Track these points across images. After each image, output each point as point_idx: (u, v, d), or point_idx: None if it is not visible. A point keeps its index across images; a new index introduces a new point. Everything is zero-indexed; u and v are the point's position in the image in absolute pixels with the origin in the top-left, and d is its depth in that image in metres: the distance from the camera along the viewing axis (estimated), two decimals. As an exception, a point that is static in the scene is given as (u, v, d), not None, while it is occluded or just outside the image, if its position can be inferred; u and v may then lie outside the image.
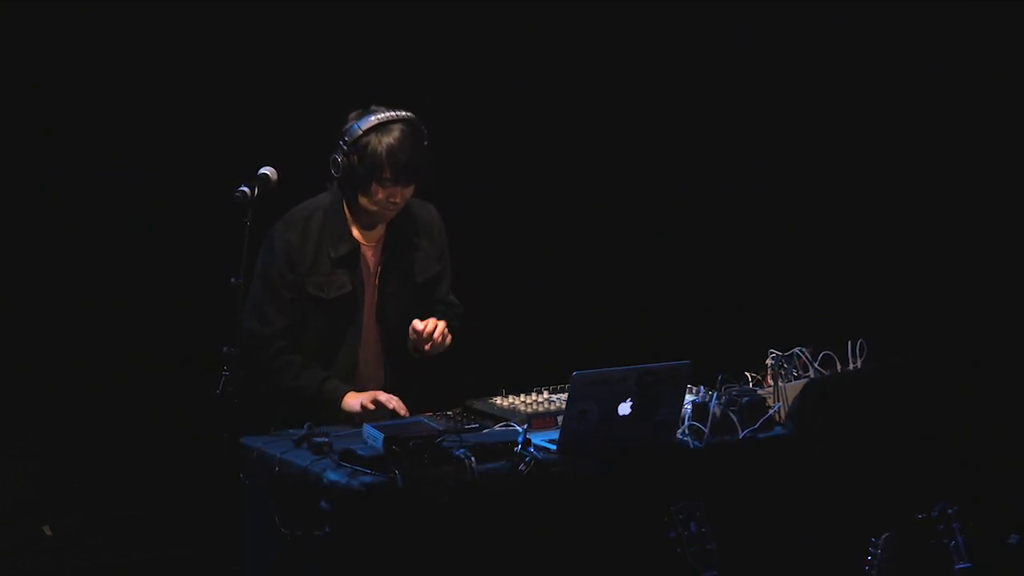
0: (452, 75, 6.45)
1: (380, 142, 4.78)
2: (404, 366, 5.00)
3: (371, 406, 4.82)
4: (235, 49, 6.22)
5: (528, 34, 6.57)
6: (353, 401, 4.84)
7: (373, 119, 4.81)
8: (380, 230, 4.98)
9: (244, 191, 4.55)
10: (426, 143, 4.86)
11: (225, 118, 6.19)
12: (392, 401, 4.82)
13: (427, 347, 4.88)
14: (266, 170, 4.65)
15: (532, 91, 6.60)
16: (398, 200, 4.86)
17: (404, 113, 4.85)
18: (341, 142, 4.82)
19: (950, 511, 4.31)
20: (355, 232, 4.96)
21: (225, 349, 4.47)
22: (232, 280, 4.48)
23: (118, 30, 6.12)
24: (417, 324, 4.88)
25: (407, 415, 4.81)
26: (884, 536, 4.34)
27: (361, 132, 4.80)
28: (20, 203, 6.14)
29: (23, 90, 6.09)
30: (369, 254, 4.98)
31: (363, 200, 4.86)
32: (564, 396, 4.62)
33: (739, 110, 6.63)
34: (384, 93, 4.90)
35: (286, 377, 4.88)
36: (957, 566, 4.28)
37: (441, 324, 4.90)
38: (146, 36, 6.16)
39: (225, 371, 4.46)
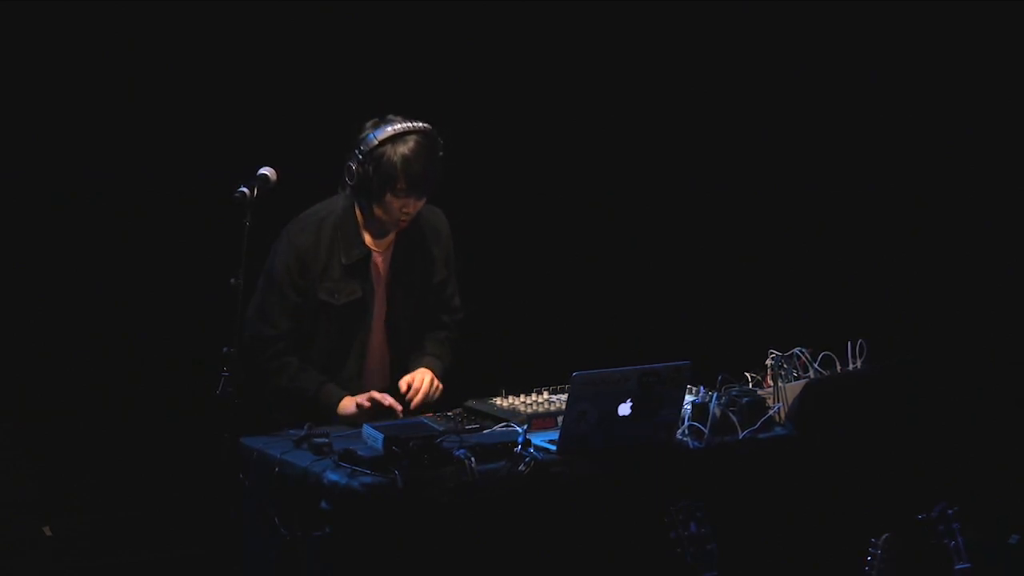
0: (450, 74, 6.44)
1: (395, 152, 4.78)
2: (409, 370, 5.00)
3: (367, 404, 4.82)
4: (235, 50, 6.21)
5: (530, 37, 6.57)
6: (349, 403, 4.85)
7: (389, 129, 4.81)
8: (391, 236, 4.98)
9: (244, 191, 4.55)
10: (441, 154, 4.86)
11: (225, 118, 6.19)
12: (387, 399, 4.83)
13: (414, 403, 4.88)
14: (266, 170, 4.65)
15: (530, 92, 6.59)
16: (411, 211, 4.86)
17: (420, 124, 4.84)
18: (356, 151, 4.82)
19: (950, 511, 4.31)
20: (367, 238, 4.96)
21: (225, 349, 4.48)
22: (232, 280, 4.48)
23: (119, 30, 6.12)
24: (402, 385, 4.90)
25: (401, 413, 4.82)
26: (884, 536, 4.34)
27: (377, 142, 4.79)
28: (20, 203, 6.14)
29: (24, 90, 6.09)
30: (380, 260, 4.98)
31: (377, 210, 4.86)
32: (564, 396, 4.62)
33: (739, 111, 6.63)
34: (383, 92, 4.92)
35: (282, 378, 4.89)
36: (957, 566, 4.28)
37: (427, 381, 4.90)
38: (147, 36, 6.15)
39: (225, 371, 4.47)
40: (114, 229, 6.22)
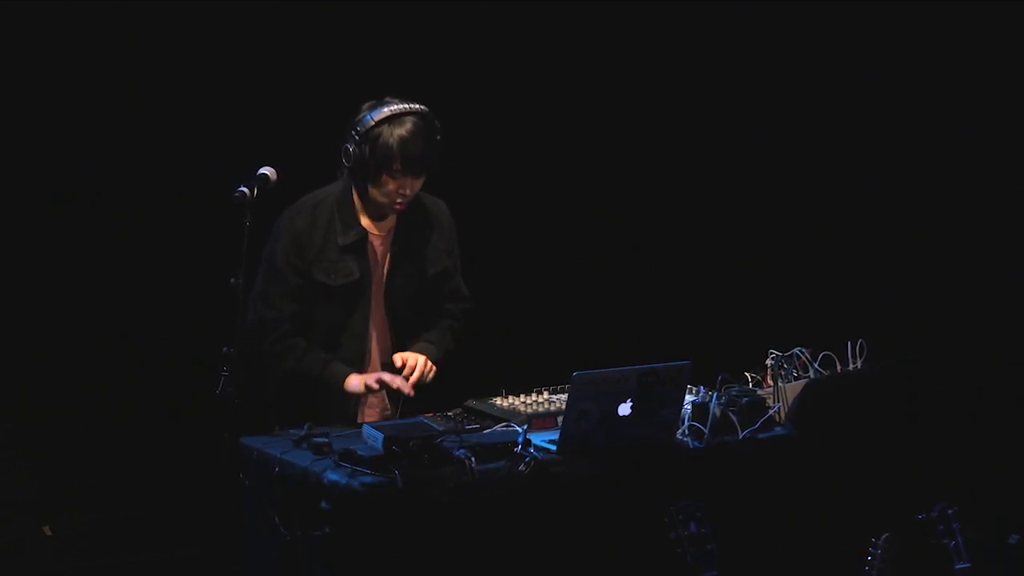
0: (455, 75, 6.44)
1: (392, 133, 4.78)
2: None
3: (375, 386, 4.83)
4: (235, 49, 6.21)
5: (536, 31, 6.57)
6: (355, 382, 4.85)
7: (386, 110, 4.81)
8: (391, 220, 4.98)
9: (244, 191, 4.55)
10: (438, 136, 4.86)
11: (225, 118, 6.19)
12: (396, 381, 4.83)
13: (411, 381, 4.88)
14: (266, 170, 4.65)
15: (533, 94, 6.59)
16: (408, 192, 4.86)
17: (417, 106, 4.84)
18: (353, 132, 4.82)
19: (950, 511, 4.31)
20: (364, 221, 4.96)
21: (225, 349, 4.47)
22: (232, 280, 4.48)
23: (119, 30, 6.12)
24: (397, 360, 4.90)
25: (412, 393, 4.82)
26: (884, 536, 4.34)
27: (373, 123, 4.80)
28: (20, 203, 6.14)
29: (24, 90, 6.09)
30: (378, 243, 4.98)
31: (373, 191, 4.86)
32: (564, 396, 4.62)
33: (739, 112, 6.63)
34: (385, 92, 4.90)
35: (289, 360, 4.88)
36: (957, 566, 4.28)
37: (421, 362, 4.91)
38: (147, 36, 6.15)
39: (225, 371, 4.46)
40: (114, 229, 6.22)
